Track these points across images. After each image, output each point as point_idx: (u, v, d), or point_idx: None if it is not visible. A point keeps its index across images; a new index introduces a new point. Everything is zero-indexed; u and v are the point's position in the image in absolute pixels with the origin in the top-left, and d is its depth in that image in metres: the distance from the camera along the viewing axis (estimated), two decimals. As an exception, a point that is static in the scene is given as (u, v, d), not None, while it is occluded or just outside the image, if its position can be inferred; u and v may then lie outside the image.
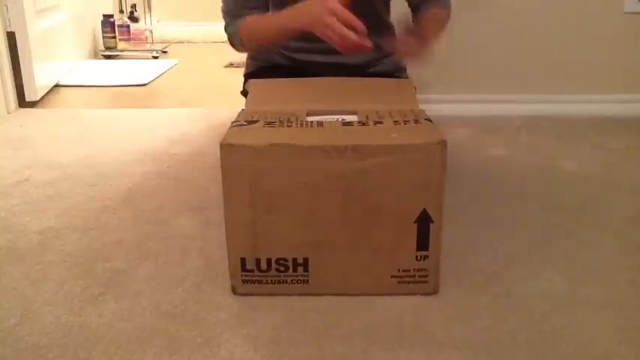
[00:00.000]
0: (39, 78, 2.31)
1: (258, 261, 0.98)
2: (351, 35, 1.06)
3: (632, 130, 1.97)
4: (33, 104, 2.28)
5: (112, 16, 3.40)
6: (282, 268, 0.98)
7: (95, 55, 3.42)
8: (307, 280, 0.99)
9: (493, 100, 2.13)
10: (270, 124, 1.00)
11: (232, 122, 1.02)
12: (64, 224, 1.27)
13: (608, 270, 1.09)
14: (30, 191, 1.45)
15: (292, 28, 1.19)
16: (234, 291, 1.00)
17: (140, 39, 3.50)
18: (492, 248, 1.17)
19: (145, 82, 2.66)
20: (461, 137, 1.89)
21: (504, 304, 0.98)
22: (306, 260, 0.98)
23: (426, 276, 0.99)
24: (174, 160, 1.67)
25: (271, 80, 1.26)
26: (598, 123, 2.03)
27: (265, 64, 1.44)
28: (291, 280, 0.99)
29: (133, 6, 3.63)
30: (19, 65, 2.22)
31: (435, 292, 1.00)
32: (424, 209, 0.94)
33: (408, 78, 1.44)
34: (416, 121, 1.01)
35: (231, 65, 3.05)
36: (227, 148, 0.92)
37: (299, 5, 1.17)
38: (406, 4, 1.40)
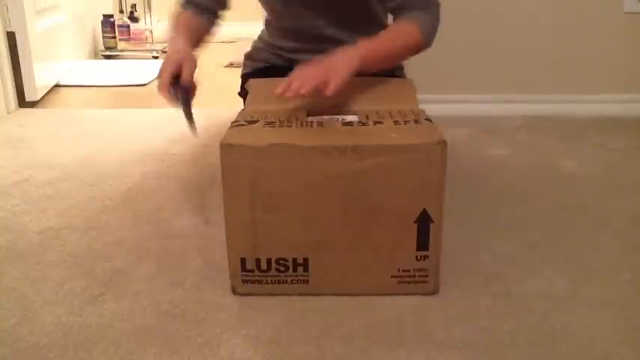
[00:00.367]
0: (39, 78, 2.31)
1: (258, 261, 0.98)
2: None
3: (632, 130, 1.97)
4: (33, 104, 2.28)
5: (112, 16, 3.40)
6: (282, 268, 0.98)
7: (95, 55, 3.41)
8: (307, 280, 0.99)
9: (493, 100, 2.13)
10: (270, 124, 1.00)
11: (232, 122, 1.02)
12: (64, 224, 1.27)
13: (608, 270, 1.09)
14: (30, 191, 1.45)
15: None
16: (234, 291, 1.00)
17: (140, 39, 3.50)
18: (492, 248, 1.17)
19: (145, 82, 2.66)
20: (461, 137, 1.89)
21: (504, 304, 0.98)
22: (306, 260, 0.98)
23: (426, 276, 0.99)
24: (174, 160, 1.67)
25: (271, 80, 1.25)
26: (598, 123, 2.03)
27: (262, 65, 1.44)
28: (291, 280, 0.99)
29: (133, 6, 3.63)
30: (19, 65, 2.22)
31: (435, 292, 1.00)
32: (424, 209, 0.94)
33: (407, 77, 1.44)
34: (416, 121, 1.01)
35: (231, 65, 3.04)
36: (227, 148, 0.92)
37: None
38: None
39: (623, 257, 1.14)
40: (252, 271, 0.99)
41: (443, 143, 0.92)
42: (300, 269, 0.98)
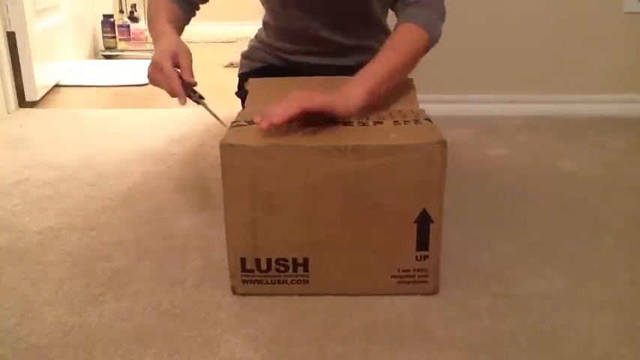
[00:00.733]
0: (39, 78, 2.31)
1: (258, 261, 0.98)
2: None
3: (632, 130, 1.97)
4: (33, 104, 2.28)
5: (112, 16, 3.40)
6: (282, 268, 0.98)
7: (95, 55, 3.41)
8: (307, 280, 0.99)
9: (493, 100, 2.13)
10: (270, 124, 1.00)
11: (232, 122, 1.02)
12: (64, 224, 1.27)
13: (608, 270, 1.09)
14: (30, 191, 1.45)
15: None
16: (234, 291, 1.00)
17: (140, 39, 3.49)
18: (492, 248, 1.17)
19: (145, 82, 2.64)
20: (461, 137, 1.89)
21: (504, 304, 0.98)
22: (306, 260, 0.98)
23: (426, 276, 0.99)
24: (174, 160, 1.67)
25: (271, 79, 1.26)
26: (598, 123, 2.03)
27: (260, 65, 1.43)
28: (291, 280, 0.99)
29: (133, 6, 3.63)
30: (19, 65, 2.22)
31: (435, 292, 1.00)
32: (424, 209, 0.94)
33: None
34: (416, 121, 1.01)
35: (231, 65, 3.04)
36: (227, 148, 0.92)
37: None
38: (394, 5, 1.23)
39: (623, 257, 1.14)
40: (252, 271, 0.99)
41: (443, 143, 0.92)
42: (300, 269, 0.98)
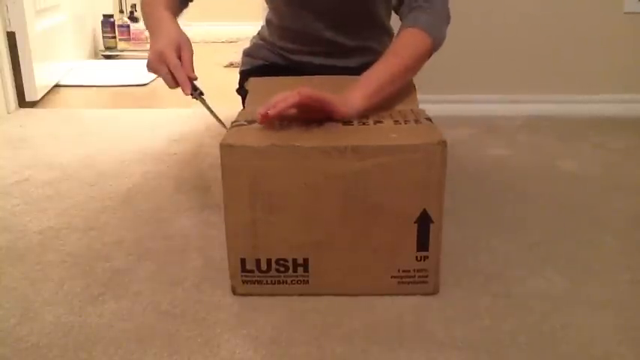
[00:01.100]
0: (39, 78, 2.31)
1: (258, 261, 0.98)
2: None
3: (632, 130, 1.97)
4: (33, 104, 2.28)
5: (112, 16, 3.40)
6: (282, 269, 0.98)
7: (95, 55, 3.41)
8: (307, 281, 0.99)
9: (493, 100, 2.13)
10: (270, 124, 1.00)
11: (232, 122, 1.02)
12: (64, 224, 1.27)
13: (608, 270, 1.09)
14: (30, 191, 1.45)
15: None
16: (234, 291, 1.00)
17: (140, 39, 3.49)
18: (492, 248, 1.17)
19: (145, 82, 2.66)
20: (461, 137, 1.89)
21: (504, 304, 0.98)
22: (306, 260, 0.98)
23: (426, 276, 0.99)
24: (174, 160, 1.67)
25: (271, 79, 1.25)
26: (598, 123, 2.03)
27: (262, 63, 1.43)
28: (291, 281, 0.99)
29: (133, 6, 3.63)
30: (19, 65, 2.22)
31: (435, 292, 1.00)
32: (424, 209, 0.94)
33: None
34: (416, 121, 1.01)
35: (231, 65, 3.04)
36: (227, 148, 0.92)
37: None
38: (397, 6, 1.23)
39: (623, 257, 1.14)
40: (252, 271, 0.99)
41: (443, 143, 0.92)
42: (300, 269, 0.98)
